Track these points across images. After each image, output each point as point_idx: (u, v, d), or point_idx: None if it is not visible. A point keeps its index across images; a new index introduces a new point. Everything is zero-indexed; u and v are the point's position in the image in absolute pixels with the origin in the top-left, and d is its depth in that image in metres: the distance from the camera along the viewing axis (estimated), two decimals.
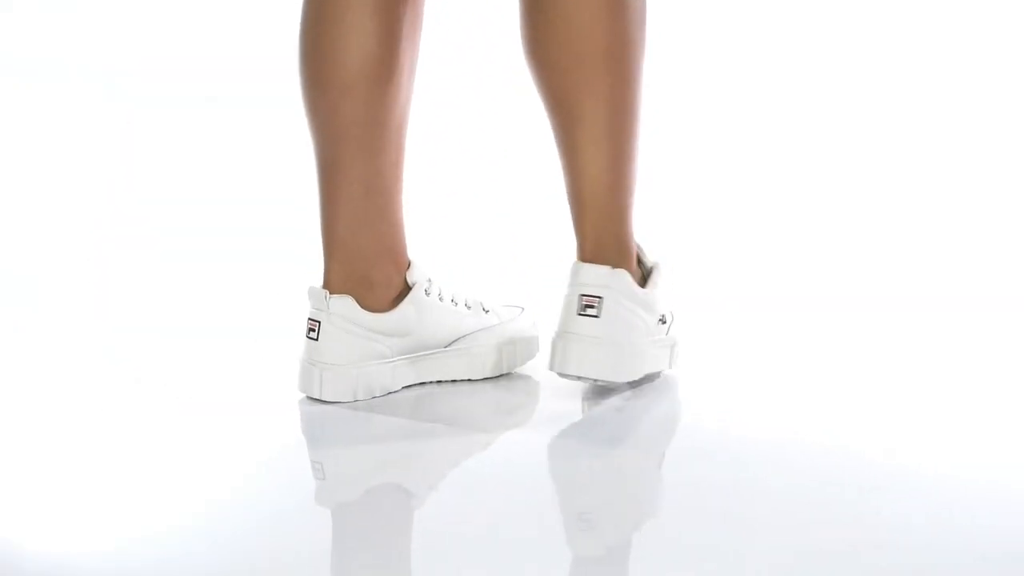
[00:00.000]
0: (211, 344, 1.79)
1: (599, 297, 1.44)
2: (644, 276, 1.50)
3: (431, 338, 1.52)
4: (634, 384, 1.49)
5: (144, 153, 2.60)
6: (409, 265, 1.53)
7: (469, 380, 1.54)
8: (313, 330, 1.48)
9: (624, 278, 1.45)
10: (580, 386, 1.50)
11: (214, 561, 1.07)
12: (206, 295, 2.10)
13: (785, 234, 2.39)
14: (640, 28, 1.43)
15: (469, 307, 1.55)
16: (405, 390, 1.52)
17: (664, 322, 1.50)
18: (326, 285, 1.50)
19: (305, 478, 1.29)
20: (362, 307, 1.48)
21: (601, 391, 1.48)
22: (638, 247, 1.50)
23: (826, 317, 1.91)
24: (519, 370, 1.58)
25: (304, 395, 1.50)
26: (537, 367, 1.58)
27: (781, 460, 1.31)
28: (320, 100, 1.47)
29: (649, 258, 1.51)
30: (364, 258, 1.50)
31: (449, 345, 1.53)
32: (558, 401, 1.47)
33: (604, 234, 1.45)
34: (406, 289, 1.52)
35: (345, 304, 1.47)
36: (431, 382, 1.53)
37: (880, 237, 2.35)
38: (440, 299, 1.54)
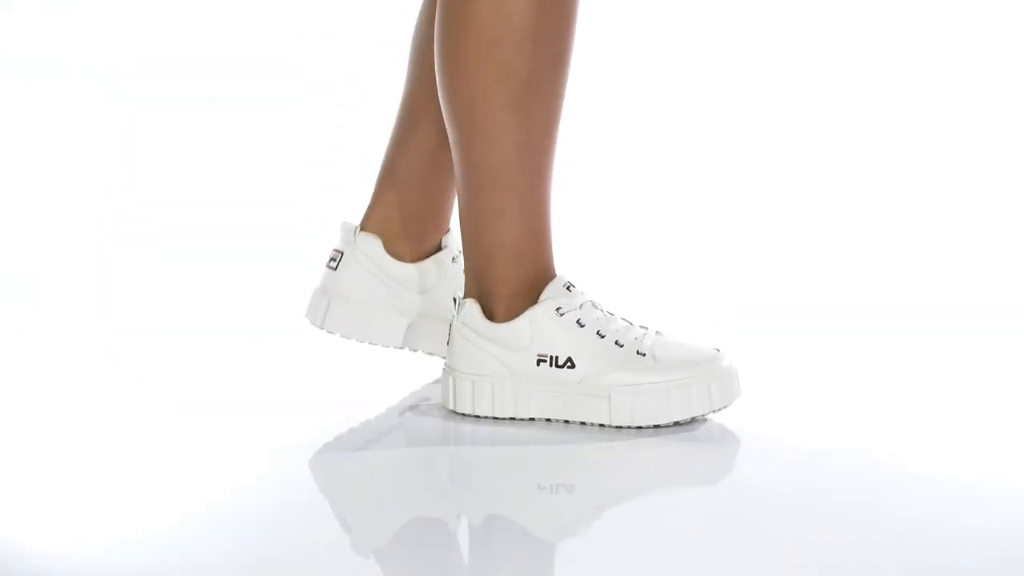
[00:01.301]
0: (211, 344, 1.79)
1: (450, 325, 1.44)
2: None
3: (444, 304, 1.51)
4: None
5: (144, 153, 2.60)
6: (448, 231, 1.52)
7: None
8: (334, 260, 1.48)
9: (466, 309, 1.41)
10: None
11: (214, 561, 1.07)
12: (206, 295, 2.10)
13: (782, 236, 2.39)
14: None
15: None
16: (406, 386, 1.51)
17: (556, 365, 1.38)
18: (362, 224, 1.49)
19: (305, 478, 1.29)
20: (388, 253, 1.48)
21: None
22: (567, 284, 1.41)
23: (826, 319, 1.91)
24: None
25: (308, 322, 1.49)
26: None
27: (780, 460, 1.31)
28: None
29: (559, 299, 1.40)
30: (409, 208, 1.50)
31: None
32: None
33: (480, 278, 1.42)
34: (436, 250, 1.52)
35: (372, 243, 1.47)
36: (440, 356, 1.52)
37: (879, 240, 2.35)
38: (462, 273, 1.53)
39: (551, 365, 1.39)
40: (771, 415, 1.44)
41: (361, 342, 1.48)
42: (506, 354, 1.40)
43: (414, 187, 1.50)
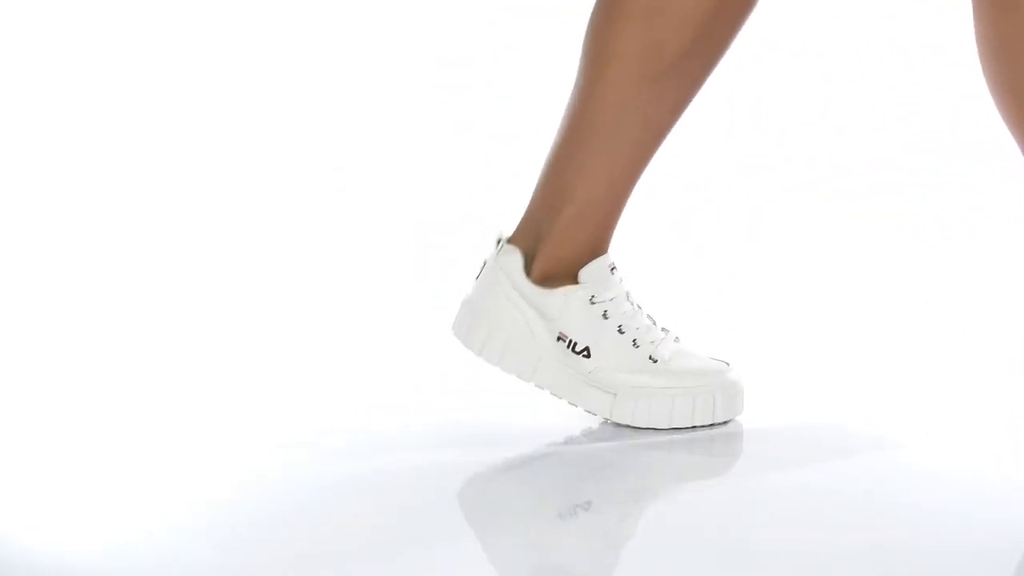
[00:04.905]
0: (212, 344, 1.78)
1: (484, 261, 1.41)
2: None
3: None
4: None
5: (144, 153, 2.60)
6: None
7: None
8: None
9: (510, 258, 1.39)
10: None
11: (214, 561, 1.07)
12: (206, 295, 2.10)
13: (787, 239, 2.39)
14: None
15: None
16: (408, 387, 1.51)
17: (573, 349, 1.38)
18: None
19: (306, 479, 1.29)
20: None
21: None
22: (611, 266, 1.39)
23: (829, 320, 1.91)
24: None
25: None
26: None
27: (782, 459, 1.31)
28: None
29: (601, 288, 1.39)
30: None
31: None
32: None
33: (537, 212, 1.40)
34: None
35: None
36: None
37: (886, 243, 2.34)
38: None
39: (568, 347, 1.38)
40: (774, 415, 1.44)
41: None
42: (534, 317, 1.38)
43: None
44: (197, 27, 2.68)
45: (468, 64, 2.75)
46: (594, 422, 1.38)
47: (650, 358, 1.38)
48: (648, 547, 1.10)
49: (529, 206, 1.40)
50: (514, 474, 1.28)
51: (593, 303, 1.38)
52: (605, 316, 1.38)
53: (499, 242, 1.41)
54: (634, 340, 1.38)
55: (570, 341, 1.38)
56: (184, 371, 1.67)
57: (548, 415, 1.42)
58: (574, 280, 1.39)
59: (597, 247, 1.40)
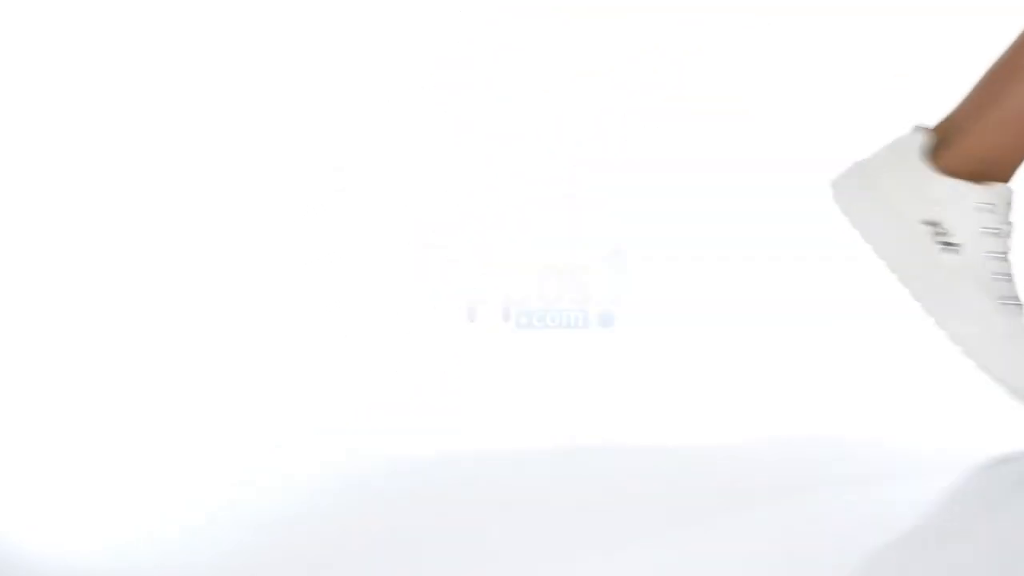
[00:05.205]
0: (212, 344, 1.78)
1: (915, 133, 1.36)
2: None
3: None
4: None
5: (143, 153, 2.60)
6: None
7: None
8: None
9: (918, 134, 1.36)
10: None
11: (214, 561, 1.07)
12: (206, 295, 2.10)
13: (780, 233, 2.39)
14: None
15: None
16: (413, 390, 1.51)
17: (941, 235, 1.33)
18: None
19: (307, 478, 1.29)
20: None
21: None
22: (1010, 201, 1.34)
23: (829, 315, 1.91)
24: None
25: None
26: None
27: (775, 455, 1.31)
28: None
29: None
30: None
31: None
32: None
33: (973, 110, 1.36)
34: None
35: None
36: None
37: None
38: None
39: (935, 236, 1.33)
40: (775, 417, 1.44)
41: None
42: (908, 190, 1.34)
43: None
44: (196, 27, 2.68)
45: (468, 64, 2.75)
46: (589, 425, 1.38)
47: (1005, 297, 1.32)
48: (643, 549, 1.10)
49: (954, 111, 1.37)
50: (516, 476, 1.28)
51: (987, 210, 1.32)
52: (990, 230, 1.33)
53: (915, 128, 1.38)
54: (995, 271, 1.33)
55: (940, 231, 1.32)
56: (183, 371, 1.67)
57: (550, 417, 1.42)
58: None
59: (1006, 164, 1.35)
